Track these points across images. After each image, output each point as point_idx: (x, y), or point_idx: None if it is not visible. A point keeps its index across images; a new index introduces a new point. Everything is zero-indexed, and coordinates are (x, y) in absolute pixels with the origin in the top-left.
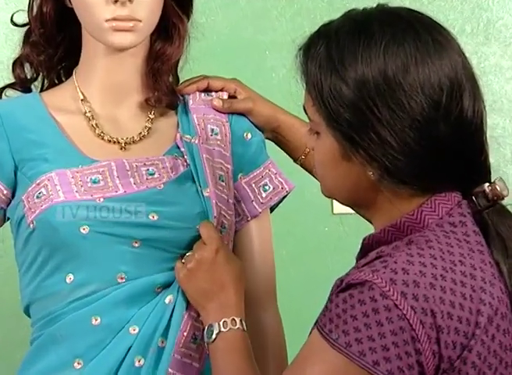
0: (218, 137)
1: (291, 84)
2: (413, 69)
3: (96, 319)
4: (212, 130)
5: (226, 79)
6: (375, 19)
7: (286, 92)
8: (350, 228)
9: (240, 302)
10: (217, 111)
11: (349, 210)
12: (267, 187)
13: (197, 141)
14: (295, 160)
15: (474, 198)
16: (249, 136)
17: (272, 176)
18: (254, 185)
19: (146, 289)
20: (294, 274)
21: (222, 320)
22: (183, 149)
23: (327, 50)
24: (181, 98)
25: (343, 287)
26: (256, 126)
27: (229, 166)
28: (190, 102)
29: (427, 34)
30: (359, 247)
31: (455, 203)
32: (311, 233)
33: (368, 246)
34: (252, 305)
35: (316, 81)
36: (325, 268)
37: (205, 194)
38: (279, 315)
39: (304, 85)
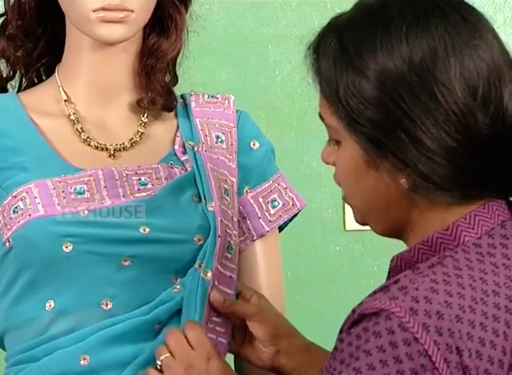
0: (224, 145)
1: (297, 82)
2: (442, 53)
3: (84, 359)
4: (217, 137)
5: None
6: (393, 2)
7: (291, 91)
8: (366, 247)
9: None
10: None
11: (364, 226)
12: (276, 203)
13: (199, 149)
14: None
15: None
16: (256, 145)
17: (282, 190)
18: (261, 200)
19: (143, 327)
20: (301, 300)
21: None
22: (183, 158)
23: (340, 42)
24: (180, 99)
25: (355, 318)
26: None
27: (234, 180)
28: (193, 105)
29: (456, 13)
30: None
31: (498, 223)
32: (320, 252)
33: (397, 269)
34: None
35: (330, 79)
36: (336, 293)
37: (209, 208)
38: None
39: (318, 87)
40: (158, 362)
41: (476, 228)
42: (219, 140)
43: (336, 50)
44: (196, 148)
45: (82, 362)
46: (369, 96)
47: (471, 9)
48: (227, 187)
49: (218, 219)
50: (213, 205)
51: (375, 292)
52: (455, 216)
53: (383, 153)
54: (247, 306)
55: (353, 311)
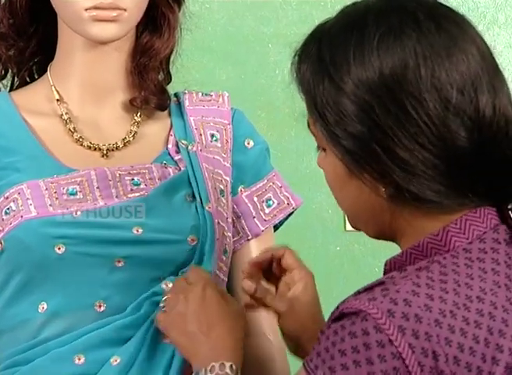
0: (218, 144)
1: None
2: (412, 64)
3: (79, 358)
4: (212, 135)
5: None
6: (371, 10)
7: (291, 91)
8: (366, 247)
9: (235, 344)
10: (220, 114)
11: None
12: (271, 202)
13: (194, 149)
14: None
15: None
16: (251, 143)
17: (277, 189)
18: (256, 199)
19: (136, 325)
20: None
21: (210, 365)
22: (176, 157)
23: (318, 51)
24: (174, 98)
25: (336, 315)
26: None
27: (227, 179)
28: (187, 103)
29: (430, 22)
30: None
31: (491, 227)
32: (321, 252)
33: (390, 272)
34: (254, 334)
35: (308, 88)
36: (337, 294)
37: (206, 208)
38: (284, 344)
39: (301, 95)
40: (161, 305)
41: (467, 233)
42: (214, 138)
43: (314, 59)
44: (190, 148)
45: (77, 361)
46: (344, 108)
47: (451, 17)
48: (222, 187)
49: (216, 221)
50: (210, 205)
51: (359, 292)
52: (443, 222)
53: (360, 164)
54: (278, 302)
55: (337, 307)
